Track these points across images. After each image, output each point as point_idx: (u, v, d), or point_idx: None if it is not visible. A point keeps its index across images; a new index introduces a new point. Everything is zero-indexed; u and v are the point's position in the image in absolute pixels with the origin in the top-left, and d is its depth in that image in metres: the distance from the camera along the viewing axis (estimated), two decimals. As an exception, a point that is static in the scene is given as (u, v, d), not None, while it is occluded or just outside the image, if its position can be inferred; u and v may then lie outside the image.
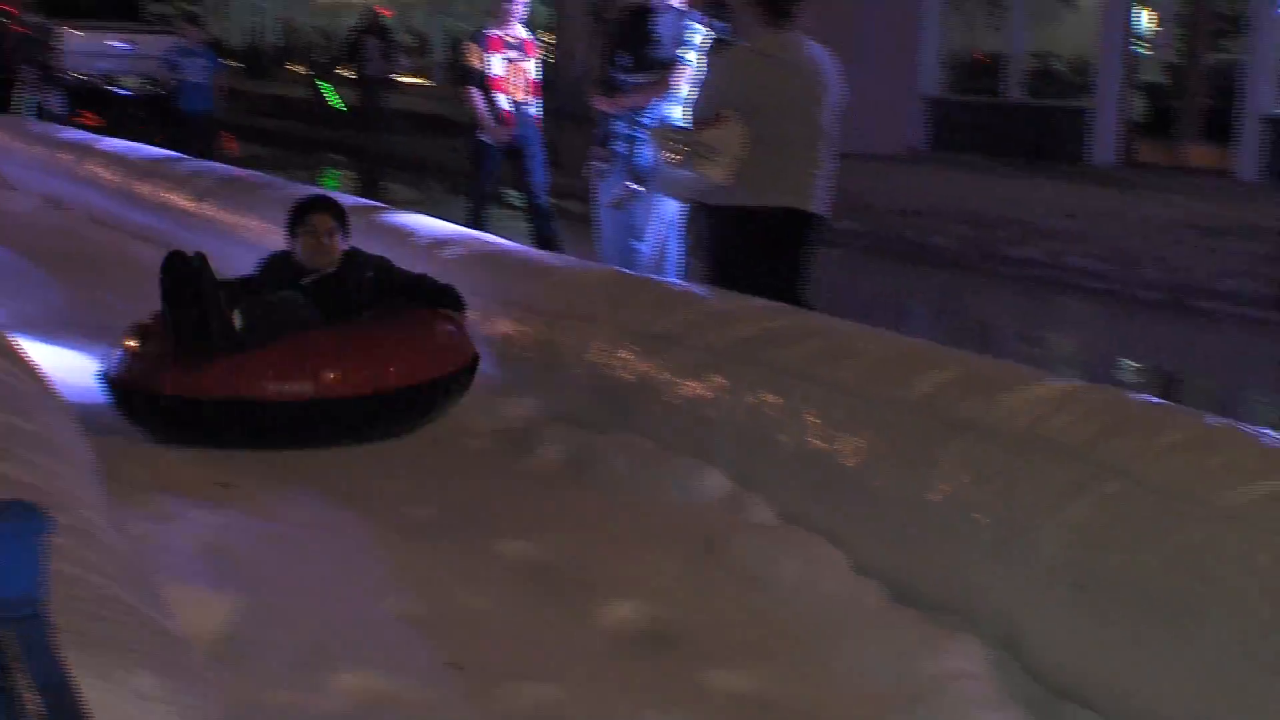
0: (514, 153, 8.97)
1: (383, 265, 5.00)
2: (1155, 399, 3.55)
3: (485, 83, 8.84)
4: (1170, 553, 2.81)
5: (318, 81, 25.30)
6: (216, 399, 4.51)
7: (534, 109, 8.99)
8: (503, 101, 8.83)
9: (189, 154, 10.60)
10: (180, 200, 8.61)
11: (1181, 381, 7.72)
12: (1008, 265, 10.75)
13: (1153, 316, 9.39)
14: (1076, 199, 13.41)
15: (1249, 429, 3.20)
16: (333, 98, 24.06)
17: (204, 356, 4.51)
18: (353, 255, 4.99)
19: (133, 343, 4.70)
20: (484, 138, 8.95)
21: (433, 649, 3.14)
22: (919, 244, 11.59)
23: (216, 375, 4.52)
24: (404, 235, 6.32)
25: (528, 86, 8.94)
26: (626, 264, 6.41)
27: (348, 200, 7.90)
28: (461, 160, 10.94)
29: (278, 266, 5.00)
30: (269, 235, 7.26)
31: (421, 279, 5.05)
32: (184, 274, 4.53)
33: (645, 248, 6.64)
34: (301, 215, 4.99)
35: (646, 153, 6.25)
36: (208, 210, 8.21)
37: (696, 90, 5.69)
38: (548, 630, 3.27)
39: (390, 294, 4.96)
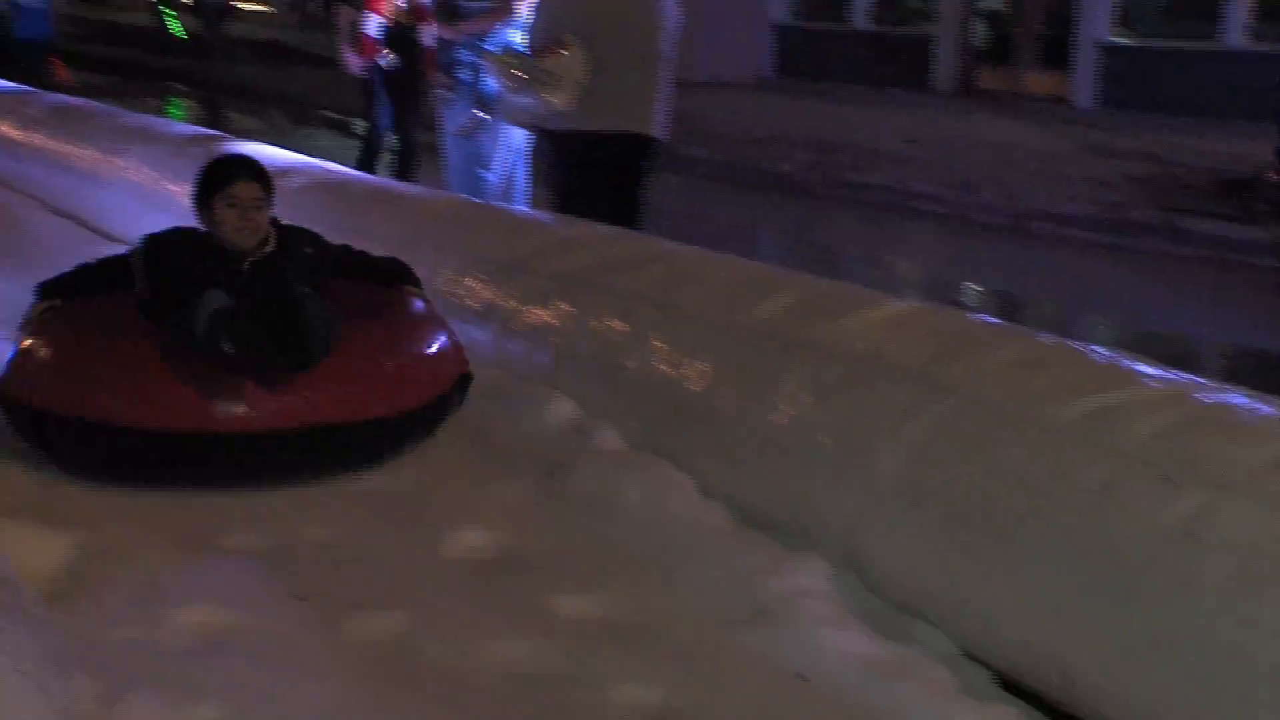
0: (401, 83, 8.13)
1: (315, 239, 4.15)
2: (990, 319, 3.63)
3: (362, 1, 7.99)
4: (1003, 468, 2.88)
5: (161, 8, 24.60)
6: (303, 429, 3.60)
7: (429, 38, 7.77)
8: (372, 27, 7.97)
9: (17, 82, 10.21)
10: (6, 129, 8.32)
11: (1020, 302, 7.91)
12: (854, 191, 10.89)
13: (993, 240, 9.59)
14: (920, 125, 13.60)
15: (1079, 346, 3.29)
16: (174, 25, 23.43)
17: (282, 375, 3.57)
18: (283, 229, 4.07)
19: (49, 350, 3.74)
20: (353, 69, 8.10)
21: (277, 581, 3.10)
22: (767, 171, 11.68)
23: (307, 398, 3.60)
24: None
25: (414, 10, 8.03)
26: (474, 193, 6.37)
27: (188, 130, 7.73)
28: (309, 89, 10.63)
29: (194, 248, 3.95)
30: (102, 166, 7.07)
31: (356, 253, 4.26)
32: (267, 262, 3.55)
33: (492, 176, 6.59)
34: (219, 183, 3.94)
35: (491, 80, 6.19)
36: (36, 140, 7.95)
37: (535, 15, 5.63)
38: (394, 560, 3.26)
39: (332, 272, 4.13)
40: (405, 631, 2.93)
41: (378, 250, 4.99)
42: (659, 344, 3.88)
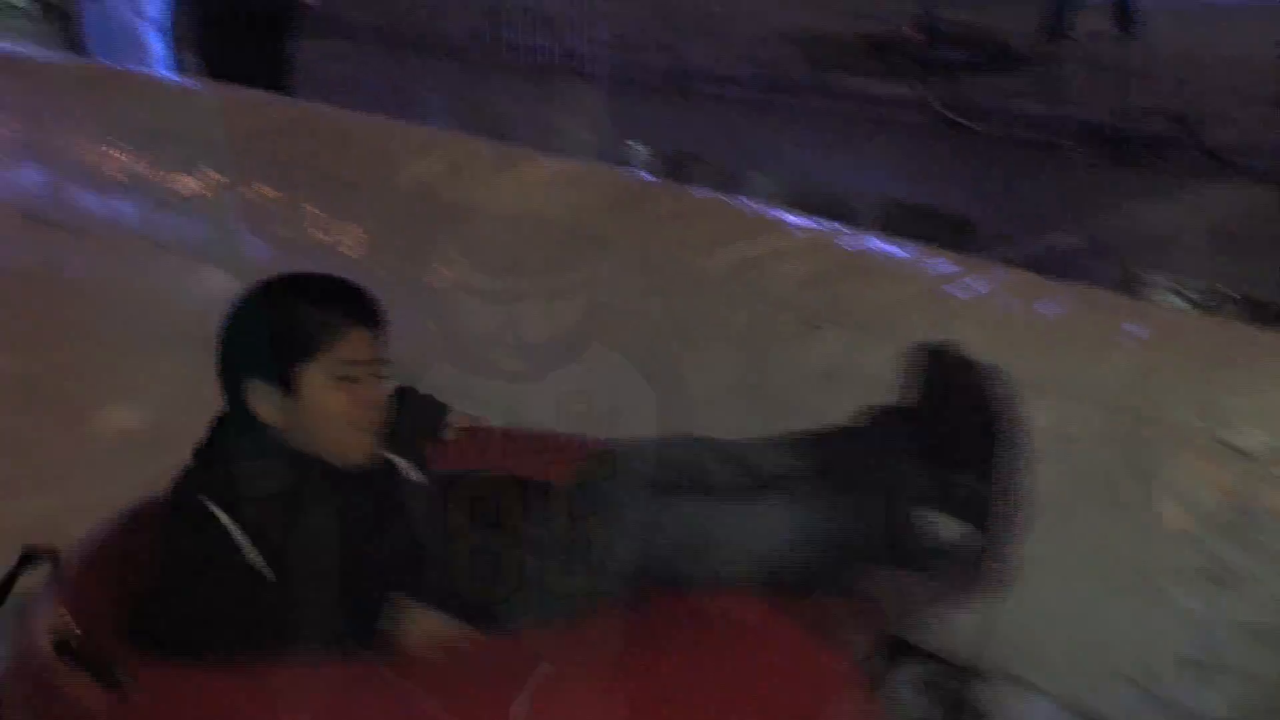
0: None
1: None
2: (645, 175, 3.67)
3: None
4: (661, 319, 2.94)
5: None
6: None
7: None
8: None
9: None
10: None
11: (682, 160, 8.03)
12: (517, 53, 10.80)
13: (655, 99, 9.68)
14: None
15: (732, 200, 3.36)
16: None
17: None
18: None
19: None
20: None
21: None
22: (429, 33, 11.46)
23: None
24: None
25: None
26: (111, 58, 6.03)
27: None
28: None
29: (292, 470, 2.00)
30: None
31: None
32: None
33: (128, 41, 6.26)
34: (316, 336, 2.02)
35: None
36: None
37: None
38: (41, 444, 3.11)
39: None
40: (57, 514, 2.80)
41: (11, 119, 4.71)
42: (313, 210, 3.78)
